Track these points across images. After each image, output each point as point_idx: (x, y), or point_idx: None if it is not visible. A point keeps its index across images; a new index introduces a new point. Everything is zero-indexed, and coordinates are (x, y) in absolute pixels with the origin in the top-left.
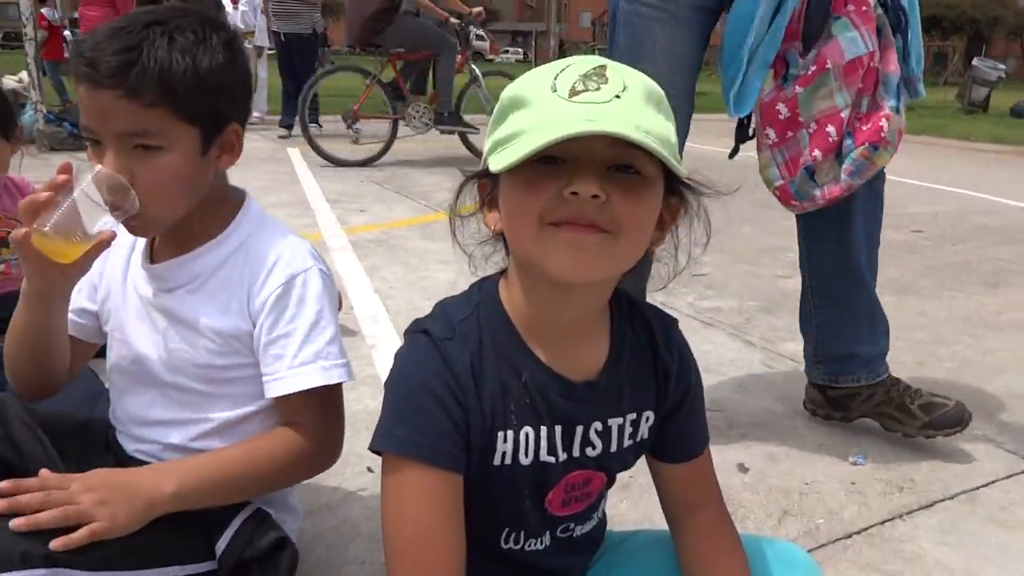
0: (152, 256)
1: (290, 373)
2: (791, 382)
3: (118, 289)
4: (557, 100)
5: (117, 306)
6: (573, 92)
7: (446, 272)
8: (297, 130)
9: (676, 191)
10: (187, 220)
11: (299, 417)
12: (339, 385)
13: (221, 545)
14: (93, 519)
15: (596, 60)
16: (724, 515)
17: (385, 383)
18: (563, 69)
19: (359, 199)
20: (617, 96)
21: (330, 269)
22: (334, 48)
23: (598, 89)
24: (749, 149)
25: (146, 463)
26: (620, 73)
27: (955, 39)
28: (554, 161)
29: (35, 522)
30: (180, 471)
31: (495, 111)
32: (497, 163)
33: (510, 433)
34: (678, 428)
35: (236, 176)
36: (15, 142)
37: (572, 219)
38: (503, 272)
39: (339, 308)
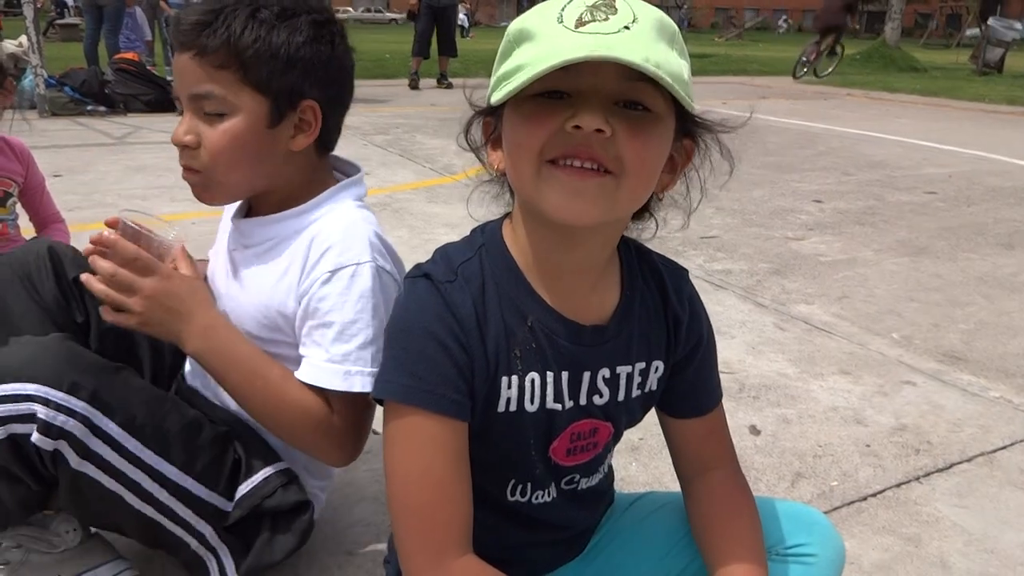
0: (247, 214)
1: (319, 366)
2: (803, 344)
3: (221, 237)
4: (563, 31)
5: (214, 253)
6: (580, 23)
7: (451, 235)
8: None
9: (689, 132)
10: (279, 188)
11: (331, 405)
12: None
13: (243, 489)
14: (131, 313)
15: None
16: (738, 476)
17: (385, 329)
18: (570, 0)
19: (364, 163)
20: (626, 27)
21: (400, 271)
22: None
23: (606, 19)
24: (757, 109)
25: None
26: (630, 4)
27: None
28: (559, 96)
29: (88, 282)
30: (225, 341)
31: (501, 46)
32: (499, 95)
33: (515, 379)
34: (690, 381)
35: None
36: (6, 93)
37: (574, 153)
38: (507, 215)
39: None
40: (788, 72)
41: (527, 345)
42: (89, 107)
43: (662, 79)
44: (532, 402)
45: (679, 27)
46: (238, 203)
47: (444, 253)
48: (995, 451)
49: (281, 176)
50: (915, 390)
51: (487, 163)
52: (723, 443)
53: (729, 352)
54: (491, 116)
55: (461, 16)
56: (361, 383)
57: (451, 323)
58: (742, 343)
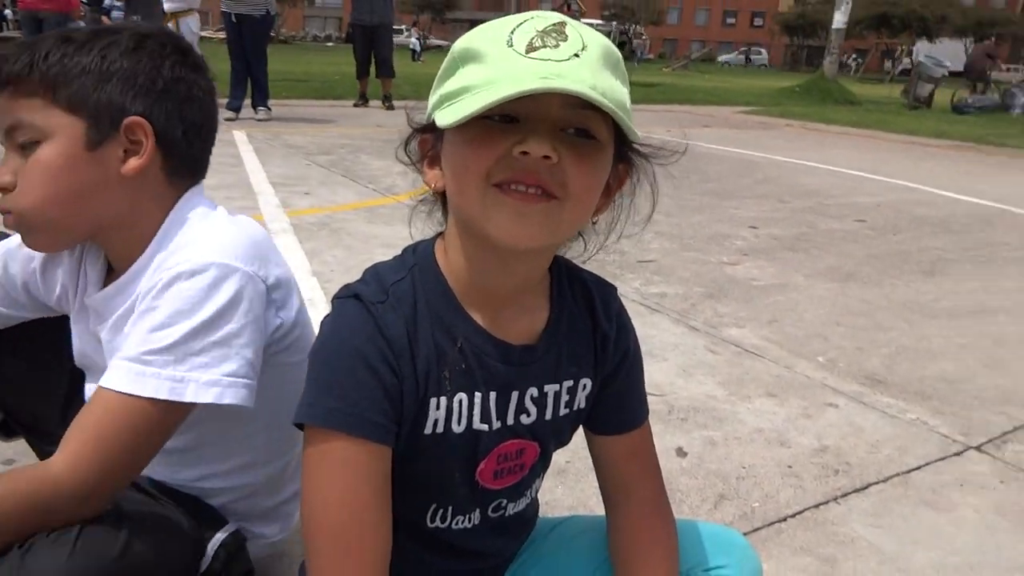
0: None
1: (112, 365)
2: (733, 367)
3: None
4: (513, 55)
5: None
6: (530, 48)
7: (389, 256)
8: (246, 112)
9: (625, 157)
10: (126, 227)
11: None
12: (156, 410)
13: (203, 566)
14: None
15: (554, 16)
16: (662, 497)
17: (310, 353)
18: (520, 24)
19: (304, 182)
20: (576, 55)
21: (273, 280)
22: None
23: (556, 46)
24: (699, 138)
25: None
26: (579, 31)
27: (903, 37)
28: (506, 119)
29: None
30: None
31: (444, 64)
32: (446, 117)
33: (443, 400)
34: (616, 397)
35: None
36: None
37: (521, 179)
38: (440, 234)
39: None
40: (732, 102)
41: (457, 366)
42: None
43: (612, 111)
44: (459, 423)
45: (636, 58)
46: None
47: (375, 273)
48: (910, 471)
49: (124, 212)
50: (837, 412)
51: (426, 182)
52: (648, 461)
53: (660, 375)
54: (430, 134)
55: (413, 40)
56: (155, 387)
57: (381, 345)
58: (673, 366)
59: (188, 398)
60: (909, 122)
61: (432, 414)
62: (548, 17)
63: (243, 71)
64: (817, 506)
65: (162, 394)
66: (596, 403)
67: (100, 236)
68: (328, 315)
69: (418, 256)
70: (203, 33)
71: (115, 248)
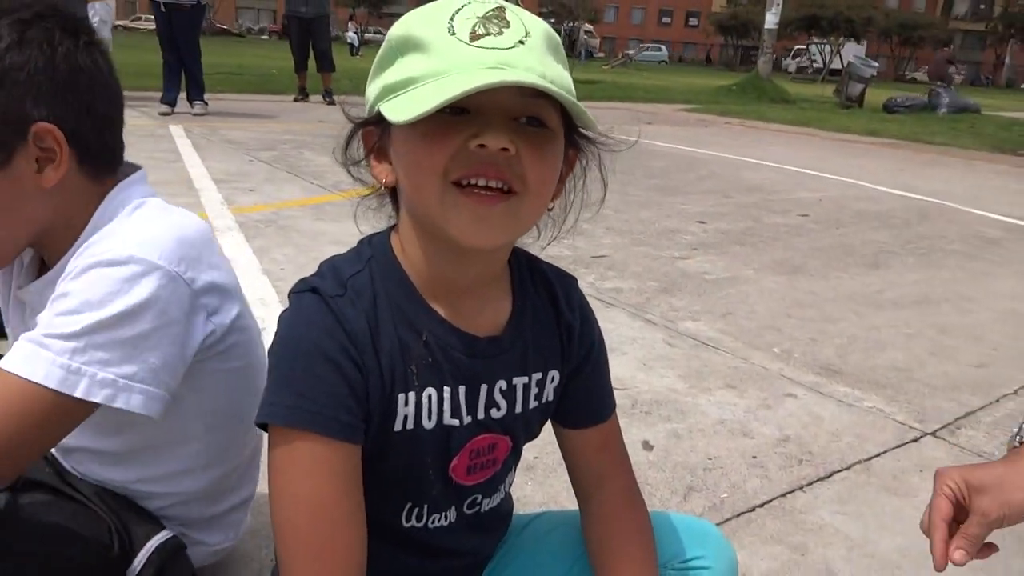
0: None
1: (15, 345)
2: (691, 360)
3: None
4: (457, 44)
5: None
6: (474, 35)
7: (340, 252)
8: (181, 106)
9: (574, 143)
10: (57, 228)
11: None
12: (47, 399)
13: (134, 569)
14: None
15: (491, 1)
16: (633, 489)
17: (269, 351)
18: (458, 9)
19: (247, 178)
20: (521, 42)
21: (194, 282)
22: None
23: (500, 33)
24: (646, 135)
25: None
26: (519, 16)
27: (832, 38)
28: (458, 112)
29: None
30: None
31: (381, 51)
32: (397, 113)
33: (411, 395)
34: (583, 389)
35: None
36: None
37: (481, 172)
38: (393, 227)
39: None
40: (671, 100)
41: (423, 360)
42: None
43: (569, 101)
44: (430, 419)
45: (586, 57)
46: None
47: (332, 266)
48: (870, 459)
49: (52, 217)
50: (796, 402)
51: (374, 176)
52: (618, 454)
53: (621, 369)
54: (374, 126)
55: (350, 34)
56: (46, 373)
57: (342, 339)
58: (633, 359)
59: (79, 393)
60: (843, 120)
61: (401, 410)
62: (484, 2)
63: (176, 63)
64: (784, 495)
65: (52, 382)
66: (564, 397)
67: (34, 240)
68: (285, 311)
69: (374, 248)
70: (131, 24)
71: (47, 247)
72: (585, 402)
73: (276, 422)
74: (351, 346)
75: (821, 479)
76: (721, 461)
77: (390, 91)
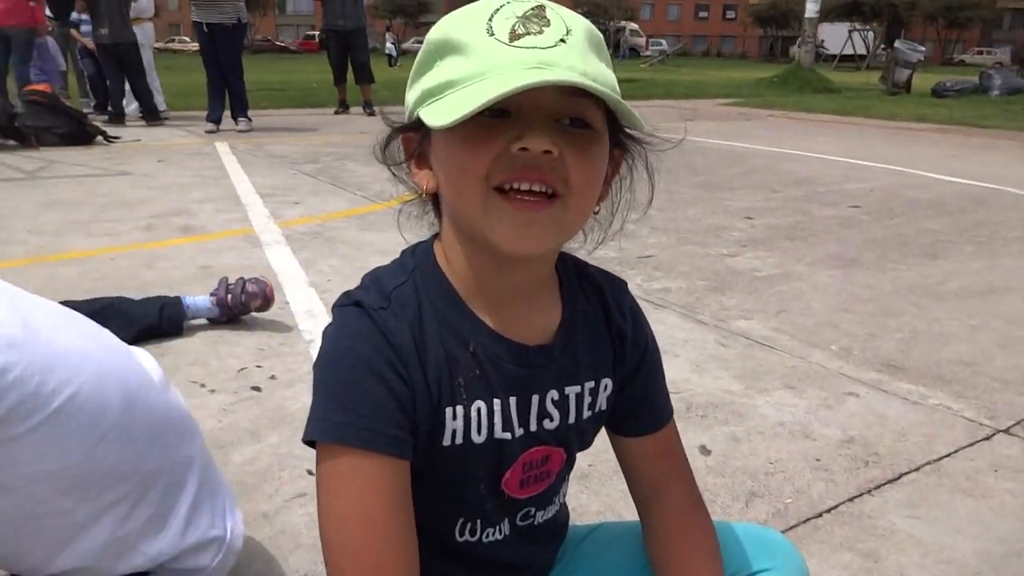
0: None
1: None
2: (746, 360)
3: None
4: (496, 45)
5: None
6: (514, 35)
7: (386, 263)
8: (227, 124)
9: (619, 143)
10: None
11: None
12: None
13: None
14: None
15: (530, 0)
16: (696, 497)
17: (314, 365)
18: (497, 9)
19: (292, 192)
20: (562, 40)
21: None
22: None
23: (540, 32)
24: (683, 131)
25: None
26: (560, 14)
27: (875, 24)
28: (497, 113)
29: None
30: None
31: (420, 55)
32: (437, 117)
33: (459, 409)
34: (639, 395)
35: (160, 173)
36: None
37: (523, 176)
38: (436, 235)
39: (263, 307)
40: (711, 95)
41: (471, 372)
42: None
43: (610, 97)
44: (479, 433)
45: (622, 56)
46: None
47: (375, 278)
48: (940, 459)
49: None
50: (858, 401)
51: (415, 183)
52: (678, 461)
53: (674, 371)
54: (414, 132)
55: (388, 45)
56: None
57: (387, 352)
58: (686, 361)
59: None
60: (890, 107)
61: (449, 424)
62: (525, 1)
63: (219, 82)
64: (851, 499)
65: None
66: (619, 404)
67: None
68: (329, 325)
69: (418, 259)
70: (166, 45)
71: None
72: (641, 409)
73: (324, 439)
74: (396, 359)
75: (890, 481)
76: (783, 465)
77: (429, 95)
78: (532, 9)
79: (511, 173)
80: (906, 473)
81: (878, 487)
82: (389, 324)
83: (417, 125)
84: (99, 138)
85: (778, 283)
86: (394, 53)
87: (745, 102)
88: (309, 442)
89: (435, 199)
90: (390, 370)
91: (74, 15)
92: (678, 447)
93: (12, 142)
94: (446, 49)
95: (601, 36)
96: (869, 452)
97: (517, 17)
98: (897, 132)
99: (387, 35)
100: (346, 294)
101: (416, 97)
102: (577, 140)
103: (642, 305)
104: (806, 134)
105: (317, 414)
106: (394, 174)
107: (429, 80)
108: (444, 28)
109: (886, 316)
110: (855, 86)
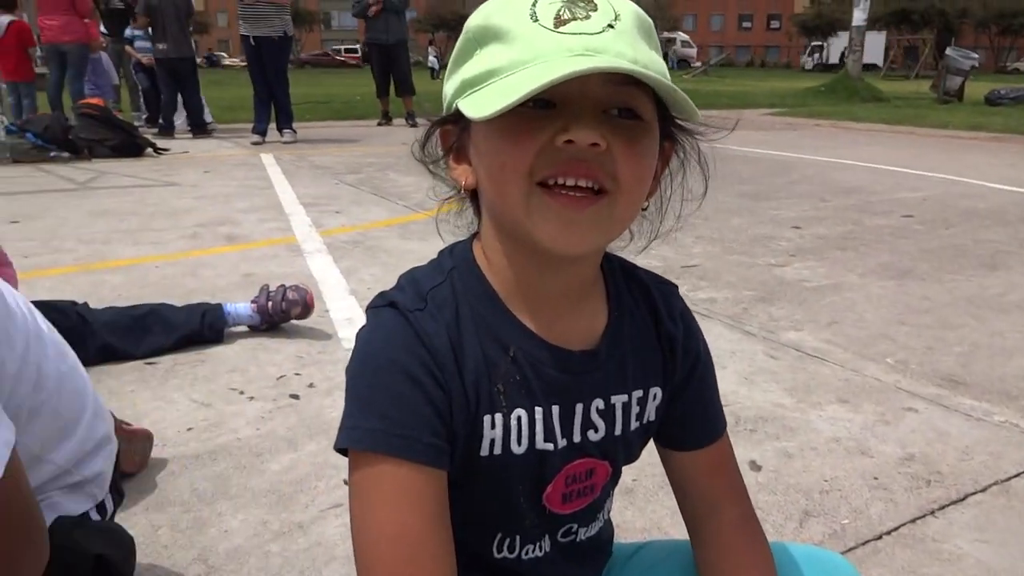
0: None
1: None
2: (796, 373)
3: None
4: (541, 31)
5: None
6: (559, 21)
7: None
8: (272, 135)
9: (669, 135)
10: None
11: None
12: None
13: None
14: None
15: None
16: (751, 517)
17: (346, 369)
18: None
19: (334, 201)
20: (610, 25)
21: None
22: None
23: (587, 17)
24: (727, 140)
25: None
26: None
27: (925, 32)
28: (541, 104)
29: None
30: None
31: (459, 44)
32: (476, 108)
33: (499, 417)
34: (691, 405)
35: (206, 184)
36: None
37: (568, 171)
38: (475, 234)
39: (303, 315)
40: (756, 104)
41: (511, 378)
42: (52, 153)
43: (662, 84)
44: (519, 443)
45: (671, 68)
46: None
47: (411, 278)
48: (1009, 479)
49: None
50: (918, 417)
51: (453, 178)
52: (732, 477)
53: (722, 383)
54: (453, 125)
55: (431, 58)
56: None
57: (423, 355)
58: (734, 373)
59: None
60: (942, 116)
61: (487, 433)
62: None
63: (265, 94)
64: (913, 521)
65: None
66: (669, 416)
67: None
68: (363, 327)
69: (456, 259)
70: (226, 61)
71: None
72: (693, 420)
73: (356, 447)
74: (433, 363)
75: (954, 502)
76: (839, 483)
77: (469, 86)
78: None
79: (556, 168)
80: (972, 494)
81: (942, 508)
82: (425, 326)
83: (456, 117)
84: (149, 150)
85: (829, 294)
86: (436, 66)
87: (790, 112)
88: (341, 450)
89: (474, 196)
90: (426, 374)
91: (128, 31)
92: (732, 462)
93: (66, 154)
94: (487, 36)
95: (651, 22)
96: (931, 471)
97: (563, 2)
98: (950, 141)
99: (430, 48)
100: (381, 295)
101: (455, 88)
102: (626, 132)
103: None
104: (855, 143)
105: (349, 421)
106: (431, 171)
107: (469, 70)
108: (484, 14)
109: (944, 329)
110: (905, 95)
